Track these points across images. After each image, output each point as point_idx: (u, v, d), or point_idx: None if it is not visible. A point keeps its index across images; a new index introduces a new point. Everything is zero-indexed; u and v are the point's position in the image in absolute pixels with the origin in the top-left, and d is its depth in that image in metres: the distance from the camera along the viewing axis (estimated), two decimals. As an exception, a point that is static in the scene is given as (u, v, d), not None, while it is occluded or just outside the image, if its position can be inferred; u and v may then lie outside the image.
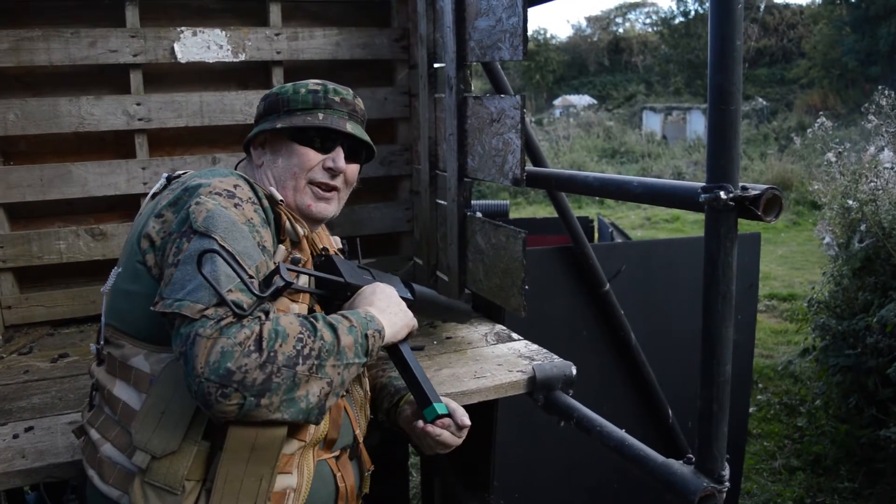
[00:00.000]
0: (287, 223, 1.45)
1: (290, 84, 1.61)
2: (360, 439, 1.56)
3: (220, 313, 1.13)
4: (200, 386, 1.10)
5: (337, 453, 1.49)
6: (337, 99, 1.59)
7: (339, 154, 1.59)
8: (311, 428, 1.34)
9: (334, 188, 1.60)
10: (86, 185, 2.64)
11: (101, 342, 1.44)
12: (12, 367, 2.26)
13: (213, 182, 1.34)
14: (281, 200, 1.46)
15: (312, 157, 1.56)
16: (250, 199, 1.36)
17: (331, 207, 1.61)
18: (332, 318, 1.29)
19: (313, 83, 1.60)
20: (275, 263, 1.33)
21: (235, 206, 1.31)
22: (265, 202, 1.40)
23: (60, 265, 2.68)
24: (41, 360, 2.32)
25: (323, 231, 1.74)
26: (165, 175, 1.51)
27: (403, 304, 1.53)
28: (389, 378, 1.76)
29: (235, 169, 1.56)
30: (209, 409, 1.13)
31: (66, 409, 1.88)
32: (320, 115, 1.55)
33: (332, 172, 1.58)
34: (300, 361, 1.16)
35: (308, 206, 1.57)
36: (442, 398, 1.57)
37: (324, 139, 1.58)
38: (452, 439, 1.57)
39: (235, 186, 1.36)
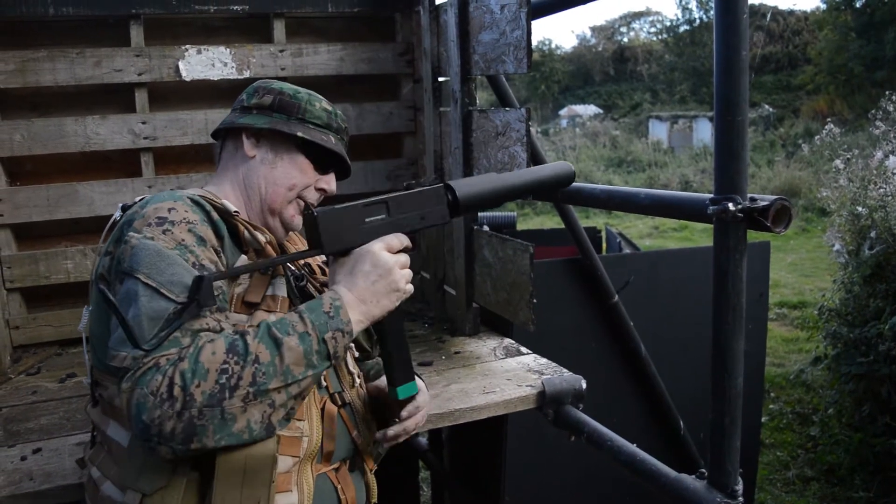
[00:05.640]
0: (245, 233, 1.40)
1: (301, 91, 1.59)
2: (365, 449, 1.52)
3: (136, 363, 1.09)
4: (136, 438, 1.10)
5: (336, 465, 1.45)
6: (343, 125, 1.61)
7: (332, 178, 1.60)
8: (304, 442, 1.31)
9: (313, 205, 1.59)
10: (92, 204, 2.65)
11: (90, 380, 1.39)
12: (20, 388, 2.25)
13: (147, 211, 1.28)
14: (236, 212, 1.41)
15: (312, 175, 1.56)
16: (184, 219, 1.28)
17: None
18: (283, 323, 1.17)
19: (325, 101, 1.60)
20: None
21: (164, 231, 1.24)
22: (215, 215, 1.35)
23: (68, 284, 2.68)
24: (49, 380, 2.32)
25: (297, 236, 1.70)
26: (121, 204, 1.43)
27: (395, 269, 1.31)
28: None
29: (218, 162, 1.57)
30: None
31: (73, 430, 1.88)
32: (332, 139, 1.56)
33: (323, 194, 1.59)
34: (227, 395, 1.07)
35: (292, 217, 1.55)
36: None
37: (323, 160, 1.58)
38: (415, 427, 1.51)
39: (170, 210, 1.28)
